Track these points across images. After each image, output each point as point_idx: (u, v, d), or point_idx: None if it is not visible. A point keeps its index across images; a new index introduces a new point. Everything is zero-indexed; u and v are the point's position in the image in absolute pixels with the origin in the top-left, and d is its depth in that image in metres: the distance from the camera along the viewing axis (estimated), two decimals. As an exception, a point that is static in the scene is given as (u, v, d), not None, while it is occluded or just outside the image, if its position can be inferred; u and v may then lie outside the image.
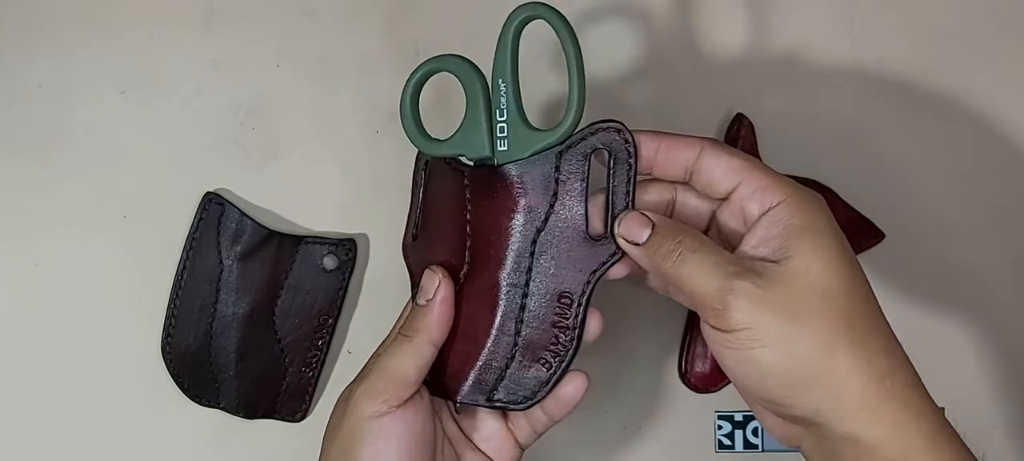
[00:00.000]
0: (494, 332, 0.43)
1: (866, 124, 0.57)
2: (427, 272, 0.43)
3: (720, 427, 0.57)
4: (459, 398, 0.44)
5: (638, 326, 0.56)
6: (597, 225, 0.43)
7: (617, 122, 0.42)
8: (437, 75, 0.44)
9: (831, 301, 0.38)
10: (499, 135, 0.43)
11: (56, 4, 0.55)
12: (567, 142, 0.42)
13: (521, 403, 0.43)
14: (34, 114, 0.55)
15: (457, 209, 0.44)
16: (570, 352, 0.43)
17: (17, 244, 0.55)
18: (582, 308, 0.43)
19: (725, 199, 0.42)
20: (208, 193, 0.55)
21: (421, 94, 0.45)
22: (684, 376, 0.56)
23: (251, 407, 0.55)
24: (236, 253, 0.54)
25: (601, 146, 0.42)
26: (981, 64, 0.57)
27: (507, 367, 0.43)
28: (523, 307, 0.43)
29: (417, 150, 0.46)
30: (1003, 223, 0.58)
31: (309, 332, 0.55)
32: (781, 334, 0.37)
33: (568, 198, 0.43)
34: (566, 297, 0.43)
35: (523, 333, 0.43)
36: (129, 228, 0.55)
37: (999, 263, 0.57)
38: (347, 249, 0.55)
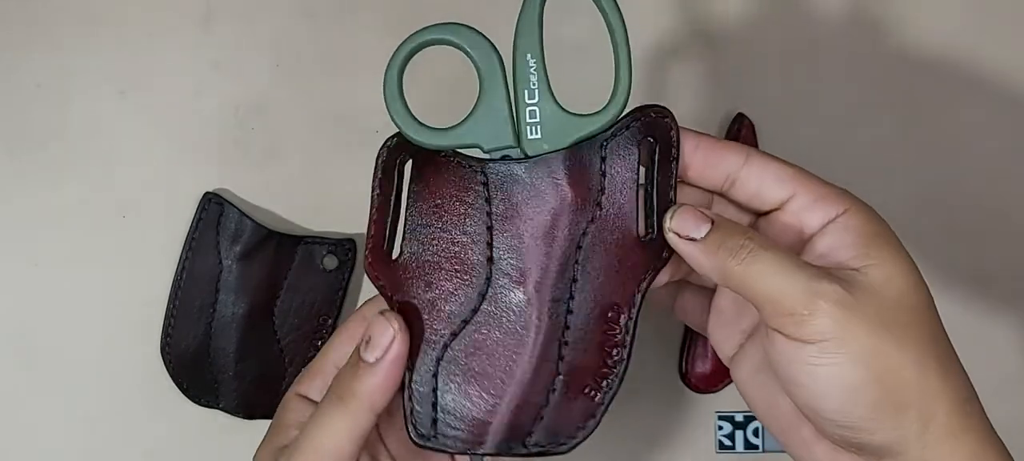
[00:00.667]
0: (533, 360, 0.36)
1: (866, 124, 0.57)
2: (380, 320, 0.36)
3: (721, 427, 0.57)
4: (486, 450, 0.36)
5: (638, 325, 0.56)
6: (640, 225, 0.37)
7: (662, 108, 0.37)
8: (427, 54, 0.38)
9: (920, 315, 0.34)
10: (529, 120, 0.36)
11: (56, 4, 0.55)
12: (613, 129, 0.36)
13: (564, 444, 0.36)
14: (34, 114, 0.55)
15: (471, 214, 0.36)
16: (621, 375, 0.36)
17: (17, 244, 0.55)
18: (633, 321, 0.36)
19: (773, 211, 0.37)
20: (208, 193, 0.55)
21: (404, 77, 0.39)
22: (684, 376, 0.56)
23: (250, 407, 0.55)
24: (236, 253, 0.54)
25: (648, 135, 0.36)
26: (982, 64, 0.57)
27: (547, 401, 0.36)
28: (567, 326, 0.36)
29: (383, 145, 0.38)
30: (1003, 223, 0.57)
31: (309, 332, 0.55)
32: (872, 348, 0.33)
33: (617, 194, 0.36)
34: (615, 309, 0.36)
35: (566, 357, 0.36)
36: (129, 228, 0.55)
37: (1000, 263, 0.57)
38: (347, 249, 0.55)
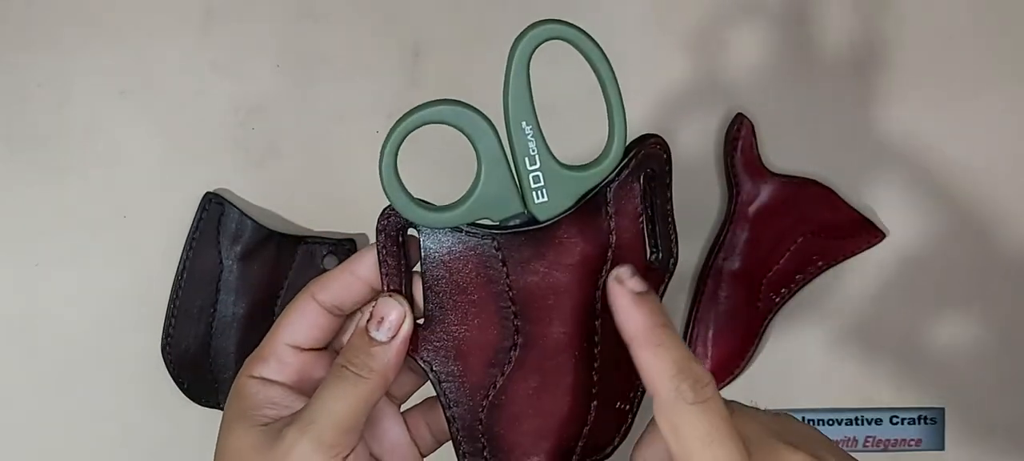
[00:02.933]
0: (570, 394, 0.38)
1: (866, 124, 0.57)
2: (388, 300, 0.37)
3: (720, 427, 0.57)
4: None
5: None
6: (646, 249, 0.38)
7: (658, 138, 0.37)
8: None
9: None
10: (534, 186, 0.36)
11: (56, 4, 0.55)
12: (615, 173, 0.37)
13: (605, 451, 0.39)
14: (34, 114, 0.55)
15: (491, 279, 0.37)
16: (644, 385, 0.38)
17: (17, 244, 0.55)
18: None
19: None
20: (208, 193, 0.55)
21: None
22: (684, 376, 0.56)
23: (251, 407, 0.55)
24: (236, 253, 0.54)
25: (647, 167, 0.37)
26: (982, 64, 0.57)
27: (586, 422, 0.38)
28: (596, 357, 0.38)
29: (381, 216, 0.38)
30: (1003, 223, 0.58)
31: (309, 332, 0.55)
32: None
33: (625, 231, 0.37)
34: None
35: (598, 384, 0.38)
36: (129, 228, 0.55)
37: (1000, 263, 0.57)
38: (347, 249, 0.55)
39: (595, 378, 0.38)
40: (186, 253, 0.54)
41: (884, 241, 0.56)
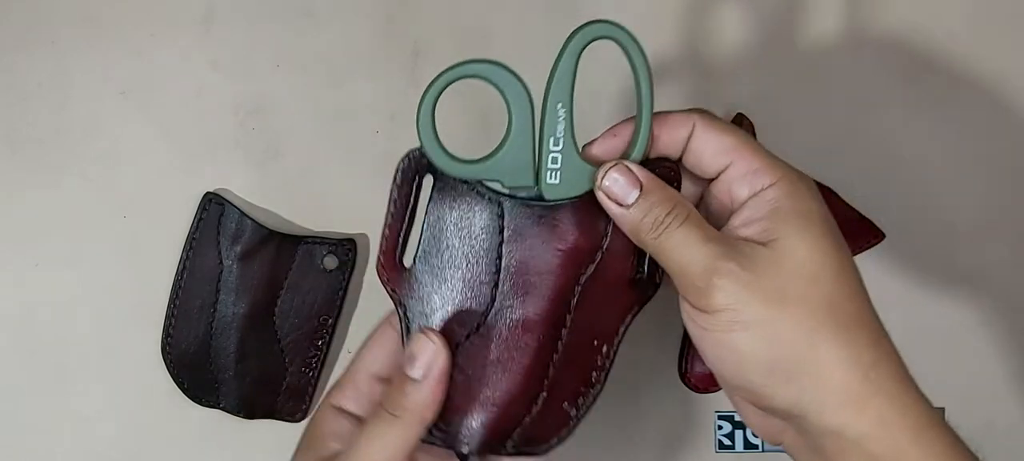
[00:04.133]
0: (525, 376, 0.39)
1: (866, 124, 0.57)
2: (421, 338, 0.38)
3: (720, 427, 0.57)
4: (472, 449, 0.39)
5: (638, 326, 0.56)
6: (632, 266, 0.40)
7: (671, 162, 0.39)
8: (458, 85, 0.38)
9: (817, 287, 0.36)
10: (551, 166, 0.38)
11: (56, 4, 0.55)
12: None
13: (540, 446, 0.40)
14: (34, 114, 0.55)
15: (487, 242, 0.39)
16: (598, 393, 0.40)
17: (17, 244, 0.55)
18: (614, 350, 0.40)
19: (714, 179, 0.39)
20: (208, 193, 0.55)
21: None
22: (684, 376, 0.56)
23: (251, 407, 0.55)
24: (236, 253, 0.54)
25: None
26: (982, 64, 0.57)
27: (530, 410, 0.39)
28: (556, 350, 0.39)
29: (405, 156, 0.39)
30: (1003, 223, 0.58)
31: (309, 332, 0.55)
32: (763, 318, 0.35)
33: (618, 240, 0.39)
34: (602, 337, 0.40)
35: (552, 376, 0.39)
36: (129, 228, 0.55)
37: (1000, 263, 0.57)
38: (347, 249, 0.55)
39: (551, 371, 0.39)
40: (186, 253, 0.54)
41: (884, 241, 0.56)
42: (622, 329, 0.40)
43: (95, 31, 0.55)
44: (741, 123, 0.55)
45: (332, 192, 0.56)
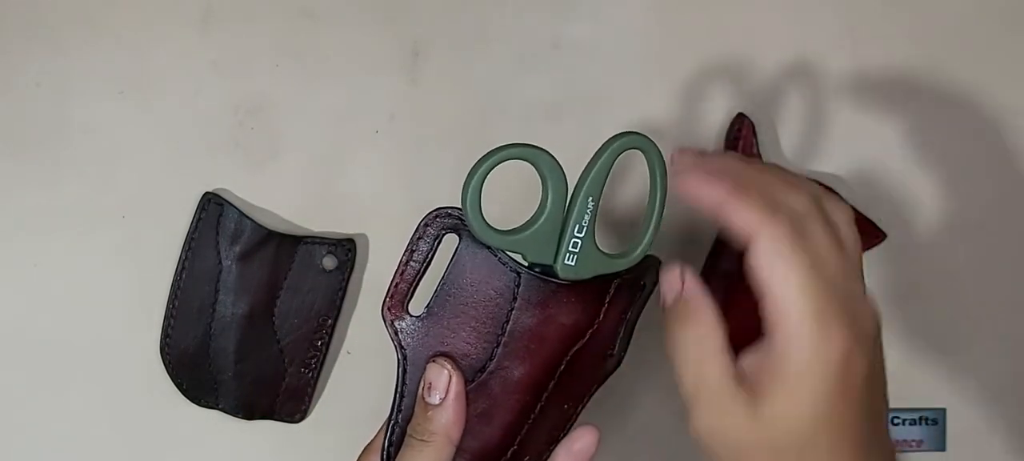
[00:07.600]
0: (503, 430, 0.43)
1: (867, 124, 0.57)
2: (434, 367, 0.42)
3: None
4: None
5: (639, 330, 0.56)
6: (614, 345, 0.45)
7: (657, 260, 0.44)
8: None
9: (810, 440, 0.37)
10: (570, 249, 0.41)
11: (56, 4, 0.55)
12: (626, 272, 0.43)
13: None
14: (34, 114, 0.55)
15: (498, 305, 0.42)
16: (555, 447, 0.44)
17: (16, 244, 0.55)
18: (578, 412, 0.45)
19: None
20: (207, 193, 0.55)
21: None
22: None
23: (250, 408, 0.55)
24: (235, 253, 0.54)
25: (643, 279, 0.43)
26: (983, 64, 0.57)
27: (500, 458, 0.44)
28: (535, 410, 0.43)
29: (435, 213, 0.43)
30: (1003, 223, 0.57)
31: (308, 332, 0.55)
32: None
33: (607, 324, 0.43)
34: (572, 402, 0.44)
35: (524, 433, 0.43)
36: (128, 228, 0.55)
37: (999, 263, 0.57)
38: (347, 249, 0.55)
39: (524, 429, 0.43)
40: (185, 253, 0.54)
41: (885, 241, 0.56)
42: (588, 396, 0.45)
43: (94, 31, 0.55)
44: (741, 123, 0.55)
45: (332, 192, 0.56)
